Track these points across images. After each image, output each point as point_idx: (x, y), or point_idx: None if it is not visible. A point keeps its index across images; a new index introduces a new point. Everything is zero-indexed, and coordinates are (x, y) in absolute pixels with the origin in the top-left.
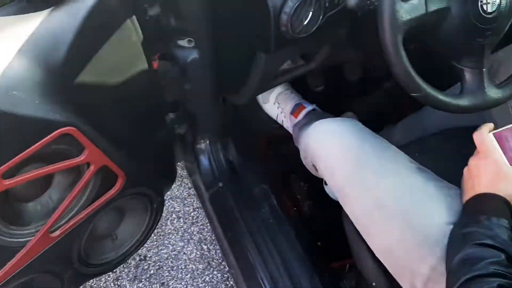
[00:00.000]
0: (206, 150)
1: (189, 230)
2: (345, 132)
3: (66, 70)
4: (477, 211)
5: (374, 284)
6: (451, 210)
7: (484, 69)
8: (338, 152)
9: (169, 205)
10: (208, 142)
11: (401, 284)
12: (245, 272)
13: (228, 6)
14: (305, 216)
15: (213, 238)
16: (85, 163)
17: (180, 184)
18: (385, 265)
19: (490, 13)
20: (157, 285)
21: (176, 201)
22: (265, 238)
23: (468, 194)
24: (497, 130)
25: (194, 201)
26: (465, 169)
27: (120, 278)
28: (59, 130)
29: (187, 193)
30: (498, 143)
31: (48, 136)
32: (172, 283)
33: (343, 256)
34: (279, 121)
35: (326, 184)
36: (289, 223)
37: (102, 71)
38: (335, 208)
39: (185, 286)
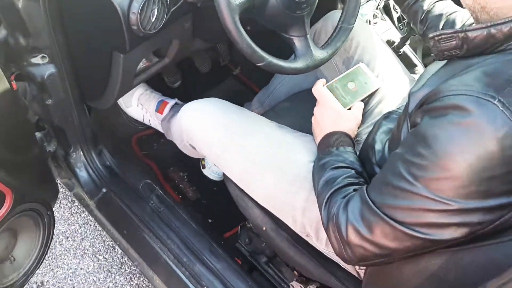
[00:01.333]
0: (81, 161)
1: (80, 247)
2: (212, 108)
3: None
4: (328, 146)
5: (264, 228)
6: (309, 151)
7: (308, 36)
8: (209, 125)
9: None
10: (81, 153)
11: (285, 221)
12: (148, 259)
13: (77, 15)
14: (192, 200)
15: (106, 247)
16: None
17: (59, 205)
18: (268, 209)
19: None
20: None
21: (60, 222)
22: (160, 226)
23: (319, 137)
24: (329, 83)
25: (78, 218)
26: (312, 118)
27: None
28: None
29: (69, 213)
30: (332, 92)
31: None
32: None
33: (232, 226)
34: (146, 121)
35: (203, 168)
36: (178, 207)
37: None
38: (215, 186)
39: None
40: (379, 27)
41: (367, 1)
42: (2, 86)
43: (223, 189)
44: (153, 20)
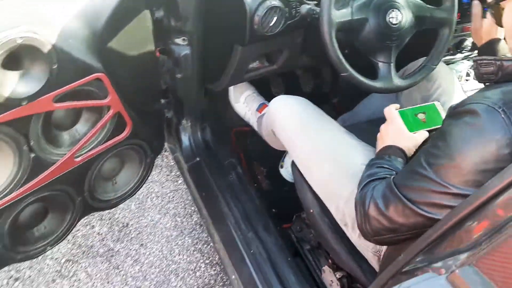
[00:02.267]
0: (187, 131)
1: (166, 206)
2: (296, 102)
3: (103, 35)
4: (383, 153)
5: (311, 211)
6: (367, 157)
7: (392, 64)
8: (290, 114)
9: (149, 186)
10: (189, 124)
11: (329, 207)
12: (214, 218)
13: (215, 10)
14: (263, 190)
15: (185, 213)
16: (106, 105)
17: (160, 171)
18: (318, 194)
19: (394, 24)
20: (137, 245)
21: (156, 184)
22: (231, 195)
23: (378, 148)
24: (402, 109)
25: (170, 185)
26: (378, 134)
27: (105, 239)
28: (95, 74)
29: (165, 179)
30: (401, 116)
31: (88, 77)
32: (150, 244)
33: (290, 221)
34: (246, 118)
35: (281, 167)
36: (251, 189)
37: (125, 43)
38: (286, 186)
39: (160, 247)
40: (469, 85)
41: (463, 59)
42: (150, 50)
43: (293, 190)
44: (271, 24)
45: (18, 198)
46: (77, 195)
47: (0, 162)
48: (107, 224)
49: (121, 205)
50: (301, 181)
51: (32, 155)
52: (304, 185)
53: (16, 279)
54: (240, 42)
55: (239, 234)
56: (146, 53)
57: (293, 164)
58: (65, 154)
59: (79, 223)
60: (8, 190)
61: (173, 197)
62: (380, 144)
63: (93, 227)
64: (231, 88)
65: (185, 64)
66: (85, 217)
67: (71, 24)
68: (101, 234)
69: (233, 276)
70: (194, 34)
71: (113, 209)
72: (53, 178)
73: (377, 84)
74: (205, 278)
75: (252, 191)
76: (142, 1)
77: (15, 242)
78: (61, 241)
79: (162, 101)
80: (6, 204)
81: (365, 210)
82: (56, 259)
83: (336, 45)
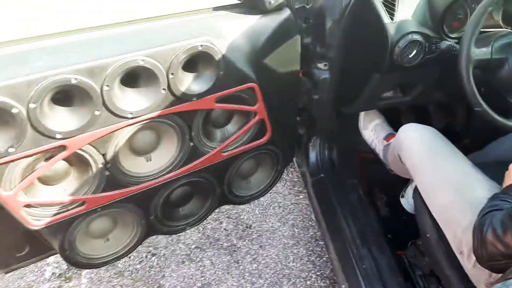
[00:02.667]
0: (316, 148)
1: (286, 217)
2: (425, 131)
3: (260, 52)
4: (509, 190)
5: (428, 235)
6: (491, 192)
7: None
8: (419, 141)
9: (273, 196)
10: (319, 142)
11: (446, 234)
12: (331, 231)
13: (357, 40)
14: (381, 216)
15: (303, 225)
16: (254, 111)
17: (284, 184)
18: (437, 220)
19: None
20: (257, 246)
21: (279, 195)
22: (350, 214)
23: (506, 183)
24: None
25: (292, 198)
26: (506, 171)
27: (230, 235)
28: (249, 84)
29: (288, 192)
30: None
31: (244, 85)
32: (268, 247)
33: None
34: (373, 145)
35: (402, 197)
36: (370, 210)
37: (275, 61)
38: (405, 216)
39: (277, 252)
40: None
41: None
42: (295, 70)
43: (410, 220)
44: (410, 57)
45: (175, 178)
46: (218, 186)
47: (167, 145)
48: (233, 222)
49: (247, 208)
50: (422, 207)
51: (191, 143)
52: (425, 210)
53: (153, 255)
54: (378, 70)
55: (353, 248)
56: (292, 72)
57: (416, 190)
58: (215, 148)
59: (209, 217)
60: (168, 169)
61: (293, 209)
62: (507, 181)
63: (221, 223)
64: (361, 115)
65: (323, 87)
66: (215, 212)
67: (238, 39)
68: (227, 230)
69: (343, 286)
70: (335, 60)
71: (240, 210)
72: (202, 167)
73: (509, 122)
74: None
75: (370, 213)
76: (296, 27)
77: (164, 216)
78: (198, 224)
79: (298, 118)
80: (165, 181)
81: (482, 235)
82: (187, 244)
83: (472, 79)
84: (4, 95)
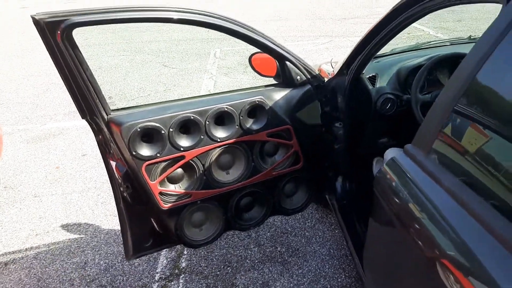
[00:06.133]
0: (339, 183)
1: (319, 229)
2: None
3: (294, 107)
4: None
5: None
6: None
7: None
8: None
9: (310, 212)
10: (340, 178)
11: None
12: (356, 249)
13: (356, 105)
14: None
15: (331, 235)
16: (290, 145)
17: (316, 208)
18: None
19: None
20: (288, 250)
21: (315, 216)
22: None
23: None
24: None
25: (313, 215)
26: None
27: (283, 255)
28: (286, 126)
29: (318, 217)
30: None
31: (283, 126)
32: (309, 257)
33: None
34: None
35: None
36: None
37: (304, 114)
38: None
39: (316, 264)
40: None
41: None
42: (317, 122)
43: None
44: (387, 108)
45: (242, 186)
46: (271, 198)
47: (238, 164)
48: (285, 246)
49: (293, 233)
50: None
51: (253, 163)
52: None
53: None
54: (369, 119)
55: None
56: (315, 124)
57: None
58: (267, 168)
59: (267, 244)
60: (239, 180)
61: (331, 238)
62: None
63: (276, 248)
64: (374, 161)
65: (340, 139)
66: (268, 239)
67: (279, 101)
68: (281, 252)
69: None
70: (346, 120)
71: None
72: (259, 181)
73: None
74: (345, 283)
75: None
76: (314, 96)
77: (236, 215)
78: (258, 226)
79: (326, 164)
80: (237, 188)
81: None
82: (252, 260)
83: (419, 111)
84: (159, 123)
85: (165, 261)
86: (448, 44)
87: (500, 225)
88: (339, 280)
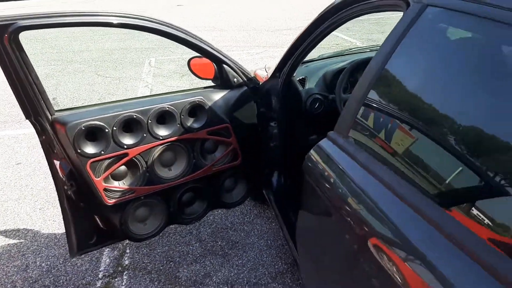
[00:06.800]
0: (275, 178)
1: (257, 223)
2: None
3: (232, 107)
4: None
5: None
6: None
7: None
8: None
9: (248, 208)
10: (277, 173)
11: None
12: (289, 229)
13: (289, 105)
14: None
15: (268, 228)
16: (229, 142)
17: (254, 205)
18: None
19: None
20: (228, 243)
21: (254, 212)
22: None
23: None
24: None
25: (251, 211)
26: None
27: (223, 248)
28: (224, 124)
29: (258, 211)
30: None
31: (223, 125)
32: (248, 248)
33: None
34: None
35: None
36: None
37: (240, 114)
38: None
39: (255, 253)
40: None
41: None
42: (253, 122)
43: None
44: (315, 107)
45: (184, 182)
46: (212, 192)
47: (180, 160)
48: (225, 240)
49: (233, 227)
50: None
51: (194, 160)
52: None
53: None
54: (300, 117)
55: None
56: (251, 124)
57: None
58: (208, 164)
59: (207, 239)
60: (181, 176)
61: (257, 223)
62: None
63: (217, 242)
64: None
65: (275, 137)
66: (209, 234)
67: (218, 101)
68: (221, 246)
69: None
70: (280, 119)
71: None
72: (199, 177)
73: None
74: (278, 265)
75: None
76: (250, 97)
77: (179, 210)
78: (199, 220)
79: (263, 161)
80: (179, 184)
81: None
82: (194, 254)
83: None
84: (102, 122)
85: (107, 260)
86: (368, 50)
87: (404, 191)
88: (276, 267)
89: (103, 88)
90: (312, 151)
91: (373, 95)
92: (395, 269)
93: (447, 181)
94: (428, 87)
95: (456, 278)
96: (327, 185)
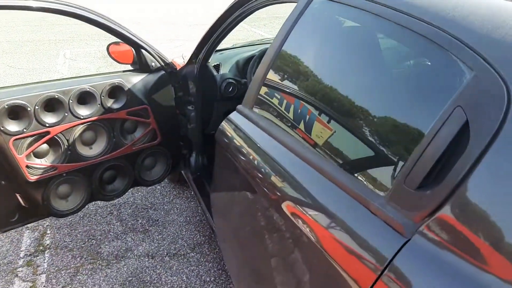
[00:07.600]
0: (193, 158)
1: (176, 202)
2: None
3: (150, 90)
4: None
5: None
6: None
7: None
8: None
9: (168, 190)
10: (194, 154)
11: None
12: (207, 206)
13: (205, 89)
14: None
15: (187, 206)
16: (148, 123)
17: (173, 187)
18: None
19: None
20: (149, 221)
21: (173, 193)
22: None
23: None
24: None
25: (171, 193)
26: None
27: (144, 226)
28: (144, 105)
29: (178, 192)
30: None
31: (141, 106)
32: (168, 225)
33: None
34: None
35: None
36: None
37: (160, 96)
38: None
39: (174, 229)
40: None
41: None
42: (171, 104)
43: None
44: (229, 90)
45: (105, 160)
46: (132, 170)
47: (100, 139)
48: (146, 218)
49: (154, 207)
50: None
51: (114, 139)
52: None
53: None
54: (216, 100)
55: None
56: (169, 106)
57: None
58: (128, 143)
59: (128, 217)
60: (102, 154)
61: (175, 200)
62: None
63: (137, 220)
64: None
65: (193, 120)
66: (130, 214)
67: (137, 84)
68: (143, 224)
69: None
70: (197, 103)
71: (149, 208)
72: (121, 155)
73: None
74: (197, 237)
75: None
76: (168, 81)
77: (100, 187)
78: (120, 196)
79: (181, 143)
80: (100, 162)
81: None
82: (119, 234)
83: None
84: (25, 101)
85: (28, 241)
86: None
87: (298, 147)
88: (195, 239)
89: (17, 80)
90: (223, 123)
91: (271, 73)
92: (300, 222)
93: (326, 139)
94: (312, 65)
95: (353, 223)
96: (235, 149)
